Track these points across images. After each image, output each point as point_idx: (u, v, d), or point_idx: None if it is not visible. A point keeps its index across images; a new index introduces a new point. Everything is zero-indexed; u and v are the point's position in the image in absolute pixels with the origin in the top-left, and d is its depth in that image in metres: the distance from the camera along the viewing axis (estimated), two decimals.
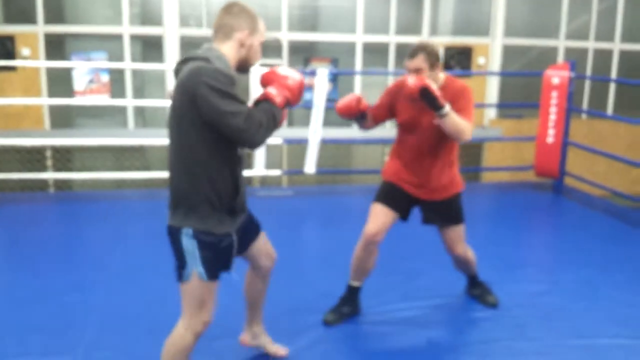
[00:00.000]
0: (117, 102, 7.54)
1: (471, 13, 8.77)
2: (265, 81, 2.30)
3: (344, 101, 3.09)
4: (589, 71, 9.02)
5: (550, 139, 6.08)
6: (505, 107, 8.67)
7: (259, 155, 5.86)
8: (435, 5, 8.56)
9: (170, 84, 7.75)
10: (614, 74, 9.15)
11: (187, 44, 7.86)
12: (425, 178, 3.12)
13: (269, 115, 2.16)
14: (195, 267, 2.20)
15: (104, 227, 4.89)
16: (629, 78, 8.87)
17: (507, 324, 3.25)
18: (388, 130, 8.41)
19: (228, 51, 2.22)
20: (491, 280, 3.64)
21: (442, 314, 3.39)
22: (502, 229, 5.05)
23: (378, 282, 3.53)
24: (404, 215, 3.24)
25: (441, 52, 8.45)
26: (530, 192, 6.29)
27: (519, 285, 3.75)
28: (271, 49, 8.10)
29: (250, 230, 2.53)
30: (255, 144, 2.14)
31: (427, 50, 2.95)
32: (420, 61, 2.93)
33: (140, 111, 7.98)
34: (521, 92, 8.64)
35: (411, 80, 2.82)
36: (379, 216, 3.14)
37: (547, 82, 6.07)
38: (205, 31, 7.86)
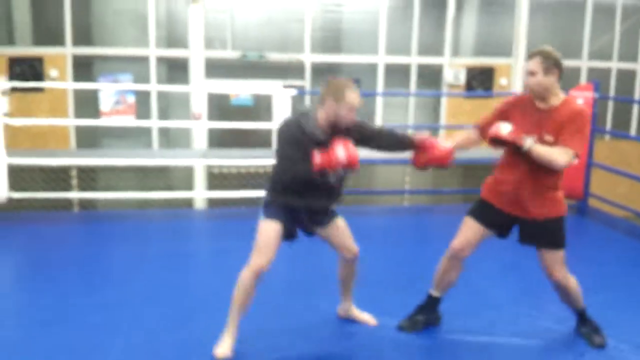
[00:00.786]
0: (142, 123, 7.66)
1: (493, 34, 8.79)
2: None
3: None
4: (612, 91, 8.96)
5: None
6: None
7: None
8: (457, 26, 8.60)
9: (195, 106, 7.85)
10: (637, 94, 9.08)
11: (212, 66, 7.97)
12: (523, 197, 3.07)
13: (304, 172, 2.90)
14: (261, 213, 3.06)
15: (128, 247, 4.93)
16: None
17: (532, 350, 3.22)
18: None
19: (320, 114, 2.97)
20: (514, 306, 3.62)
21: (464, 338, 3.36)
22: (524, 251, 5.00)
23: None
24: (500, 231, 3.21)
25: (462, 74, 8.46)
26: None
27: (543, 309, 3.71)
28: (294, 70, 8.19)
29: (318, 218, 3.14)
30: (289, 179, 2.97)
31: (543, 54, 2.92)
32: (534, 64, 2.92)
33: (164, 132, 8.09)
34: None
35: (492, 130, 2.93)
36: (467, 232, 3.18)
37: None
38: (230, 53, 7.97)
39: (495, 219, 3.17)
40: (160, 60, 7.91)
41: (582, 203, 6.17)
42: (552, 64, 2.90)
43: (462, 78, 8.49)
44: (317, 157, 2.85)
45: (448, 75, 8.48)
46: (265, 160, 5.93)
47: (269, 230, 3.02)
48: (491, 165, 3.26)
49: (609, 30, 9.01)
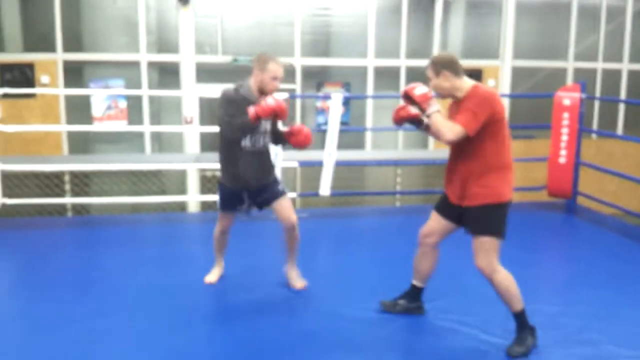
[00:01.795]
0: (135, 128, 7.68)
1: (480, 36, 8.89)
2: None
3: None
4: (598, 92, 9.09)
5: (562, 160, 6.14)
6: (516, 128, 8.74)
7: None
8: (445, 29, 8.69)
9: (187, 110, 7.88)
10: (622, 93, 9.22)
11: (203, 70, 8.01)
12: (461, 183, 3.19)
13: (241, 122, 3.50)
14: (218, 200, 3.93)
15: (122, 251, 4.93)
16: (638, 97, 8.92)
17: None
18: (400, 152, 8.49)
19: (251, 82, 3.68)
20: None
21: (458, 337, 3.42)
22: (516, 250, 5.03)
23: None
24: (457, 222, 3.32)
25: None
26: (543, 212, 6.33)
27: (535, 307, 3.73)
28: (285, 74, 8.22)
29: (265, 196, 3.80)
30: (231, 136, 3.60)
31: (432, 61, 3.21)
32: (428, 72, 3.22)
33: (157, 137, 8.11)
34: (530, 112, 8.72)
35: (407, 86, 3.21)
36: (430, 221, 3.41)
37: (558, 104, 6.15)
38: (221, 58, 8.01)
39: (448, 210, 3.32)
40: (151, 65, 7.94)
41: (571, 201, 6.27)
42: (439, 67, 3.17)
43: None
44: (251, 109, 3.44)
45: None
46: None
47: (221, 215, 3.95)
48: None
49: (594, 31, 9.15)
